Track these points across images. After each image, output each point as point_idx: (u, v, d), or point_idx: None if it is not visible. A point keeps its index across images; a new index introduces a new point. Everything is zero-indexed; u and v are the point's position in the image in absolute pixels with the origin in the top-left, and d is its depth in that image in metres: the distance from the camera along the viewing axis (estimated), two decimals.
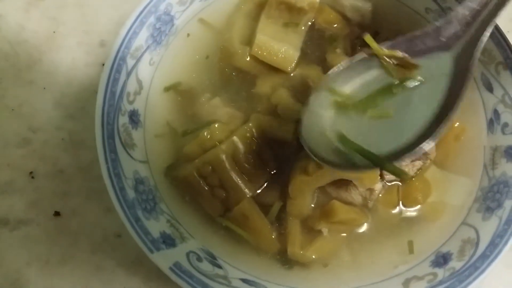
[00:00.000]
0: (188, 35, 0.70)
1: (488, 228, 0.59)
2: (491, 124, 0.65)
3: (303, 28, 0.69)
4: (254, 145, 0.63)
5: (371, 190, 0.62)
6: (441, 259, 0.60)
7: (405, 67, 0.59)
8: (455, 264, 0.58)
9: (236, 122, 0.65)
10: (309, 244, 0.61)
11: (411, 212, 0.64)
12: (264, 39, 0.67)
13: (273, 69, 0.67)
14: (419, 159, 0.62)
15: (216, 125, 0.63)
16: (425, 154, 0.61)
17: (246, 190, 0.62)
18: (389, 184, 0.64)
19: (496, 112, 0.65)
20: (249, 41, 0.69)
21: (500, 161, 0.63)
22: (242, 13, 0.71)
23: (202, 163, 0.61)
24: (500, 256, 0.56)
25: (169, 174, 0.64)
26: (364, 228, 0.64)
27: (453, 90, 0.55)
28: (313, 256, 0.61)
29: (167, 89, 0.67)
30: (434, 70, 0.57)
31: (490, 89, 0.65)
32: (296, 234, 0.61)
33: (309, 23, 0.70)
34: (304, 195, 0.61)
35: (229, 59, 0.68)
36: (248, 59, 0.67)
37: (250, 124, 0.63)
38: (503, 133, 0.63)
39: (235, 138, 0.61)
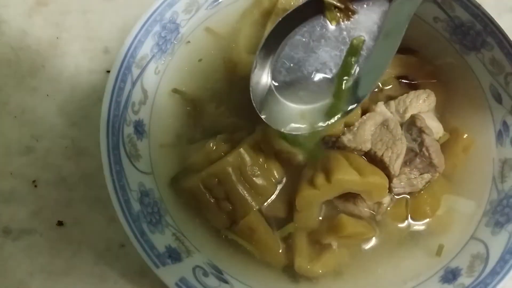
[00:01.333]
0: (188, 42, 0.69)
1: (497, 243, 0.59)
2: (500, 136, 0.65)
3: None
4: (261, 157, 0.62)
5: (379, 204, 0.62)
6: (450, 275, 0.59)
7: (344, 12, 0.60)
8: (465, 280, 0.58)
9: (242, 132, 0.65)
10: (317, 258, 0.61)
11: (420, 225, 0.64)
12: None
13: None
14: (427, 172, 0.62)
15: (222, 136, 0.63)
16: (434, 167, 0.61)
17: (253, 203, 0.61)
18: (398, 197, 0.64)
19: (505, 123, 0.64)
20: (255, 50, 0.68)
21: (509, 174, 0.63)
22: (248, 21, 0.70)
23: (208, 175, 0.61)
24: (511, 273, 0.56)
25: (174, 185, 0.64)
26: (372, 242, 0.63)
27: (388, 44, 0.59)
28: (320, 270, 0.61)
29: (174, 91, 0.67)
30: (371, 19, 0.60)
31: (499, 100, 0.65)
32: (303, 247, 0.61)
33: None
34: (311, 208, 0.61)
35: (234, 68, 0.68)
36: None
37: (256, 135, 0.63)
38: None
39: (241, 150, 0.61)
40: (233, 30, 0.71)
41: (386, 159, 0.60)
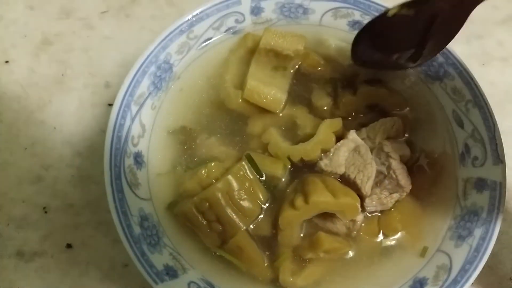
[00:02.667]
0: (181, 90, 0.75)
1: (460, 255, 0.63)
2: (462, 157, 0.70)
3: (291, 71, 0.75)
4: (247, 182, 0.67)
5: (353, 221, 0.67)
6: (418, 284, 0.64)
7: None
8: None
9: (230, 160, 0.69)
10: (299, 272, 0.65)
11: (391, 240, 0.69)
12: (254, 84, 0.71)
13: (264, 111, 0.72)
14: (396, 192, 0.67)
15: (212, 164, 0.67)
16: (401, 187, 0.66)
17: (241, 224, 0.65)
18: (370, 215, 0.69)
19: (466, 146, 0.70)
20: (241, 84, 0.74)
21: (471, 192, 0.67)
22: (235, 59, 0.75)
23: (200, 200, 0.64)
24: (470, 282, 0.61)
25: (170, 210, 0.68)
26: (349, 255, 0.68)
27: None
28: (303, 283, 0.65)
29: (170, 133, 0.72)
30: None
31: (461, 125, 0.71)
32: (285, 263, 0.65)
33: (296, 66, 0.76)
34: (293, 227, 0.65)
35: (222, 102, 0.73)
36: (240, 101, 0.72)
37: (243, 162, 0.67)
38: (473, 165, 0.68)
39: (229, 176, 0.65)
40: (222, 67, 0.76)
41: (358, 181, 0.65)
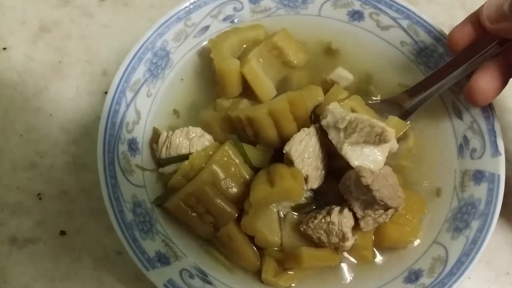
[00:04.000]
0: (182, 80, 0.74)
1: (456, 247, 0.63)
2: (461, 149, 0.69)
3: (283, 75, 0.74)
4: (232, 166, 0.64)
5: (344, 235, 0.62)
6: (413, 276, 0.63)
7: None
8: (425, 280, 0.62)
9: (212, 146, 0.67)
10: (281, 274, 0.64)
11: (387, 248, 0.67)
12: (256, 65, 0.70)
13: (243, 98, 0.72)
14: (389, 208, 0.62)
15: (194, 154, 0.65)
16: (394, 207, 0.62)
17: (232, 211, 0.63)
18: (364, 230, 0.64)
19: (465, 138, 0.69)
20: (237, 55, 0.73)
21: (469, 184, 0.66)
22: (239, 35, 0.73)
23: (187, 194, 0.62)
24: (465, 274, 0.60)
25: (158, 206, 0.67)
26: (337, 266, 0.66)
27: None
28: (284, 284, 0.64)
29: (163, 121, 0.72)
30: None
31: (460, 116, 0.70)
32: (270, 261, 0.64)
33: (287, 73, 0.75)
34: (259, 231, 0.63)
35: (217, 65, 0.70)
36: (232, 67, 0.69)
37: (226, 147, 0.64)
38: (472, 157, 0.67)
39: (214, 166, 0.63)
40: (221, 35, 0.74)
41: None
